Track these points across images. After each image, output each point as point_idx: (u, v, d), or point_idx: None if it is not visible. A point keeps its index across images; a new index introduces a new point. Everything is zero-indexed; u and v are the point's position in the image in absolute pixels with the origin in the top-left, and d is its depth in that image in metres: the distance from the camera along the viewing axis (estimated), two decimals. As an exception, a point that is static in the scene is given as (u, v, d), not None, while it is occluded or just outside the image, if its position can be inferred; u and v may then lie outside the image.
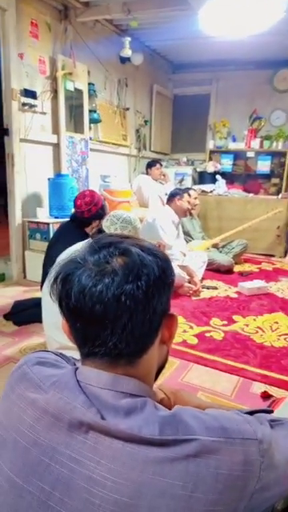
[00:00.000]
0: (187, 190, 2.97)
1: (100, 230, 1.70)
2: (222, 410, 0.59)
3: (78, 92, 3.26)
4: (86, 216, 2.07)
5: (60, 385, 0.49)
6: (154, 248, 0.52)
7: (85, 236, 2.05)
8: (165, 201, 4.01)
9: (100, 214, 2.07)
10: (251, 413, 0.53)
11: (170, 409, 0.50)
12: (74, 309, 0.48)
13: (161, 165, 4.30)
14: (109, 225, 1.67)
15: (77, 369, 0.51)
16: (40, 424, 0.47)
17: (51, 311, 1.51)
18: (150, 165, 4.22)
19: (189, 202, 2.92)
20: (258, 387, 1.58)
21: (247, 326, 2.22)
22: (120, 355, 0.48)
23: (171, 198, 2.89)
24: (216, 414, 0.48)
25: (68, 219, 2.23)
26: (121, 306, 0.46)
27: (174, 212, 2.86)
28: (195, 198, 3.44)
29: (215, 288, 2.92)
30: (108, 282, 0.46)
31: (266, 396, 1.50)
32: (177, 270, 2.63)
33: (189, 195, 2.95)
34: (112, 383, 0.48)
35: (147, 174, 4.24)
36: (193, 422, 0.45)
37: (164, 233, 2.74)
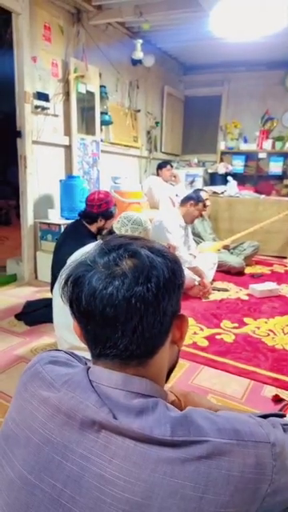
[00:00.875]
0: (202, 197, 2.90)
1: (111, 232, 1.71)
2: (233, 412, 0.59)
3: (90, 94, 3.28)
4: (94, 211, 2.09)
5: (72, 384, 0.49)
6: (164, 249, 0.52)
7: (91, 236, 2.09)
8: (176, 202, 4.05)
9: (108, 213, 2.09)
10: (263, 417, 0.53)
11: (180, 411, 0.50)
12: (84, 311, 0.48)
13: (171, 166, 4.29)
14: (119, 226, 1.68)
15: (89, 368, 0.51)
16: (52, 422, 0.47)
17: (62, 312, 1.52)
18: (161, 166, 4.22)
19: (200, 212, 2.90)
20: (269, 391, 1.57)
21: (258, 328, 2.20)
22: (131, 357, 0.49)
23: (186, 200, 2.87)
24: (228, 416, 0.48)
25: (74, 220, 2.26)
26: (131, 309, 0.46)
27: (182, 216, 2.84)
28: (206, 199, 3.42)
29: (226, 290, 2.91)
30: (118, 284, 0.46)
31: (277, 400, 1.49)
32: (186, 272, 2.62)
33: (204, 206, 2.92)
34: (123, 383, 0.48)
35: (158, 175, 4.24)
36: (204, 423, 0.45)
37: (170, 234, 2.73)
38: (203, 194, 3.53)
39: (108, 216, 2.10)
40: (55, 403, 0.48)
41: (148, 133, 4.45)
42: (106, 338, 0.48)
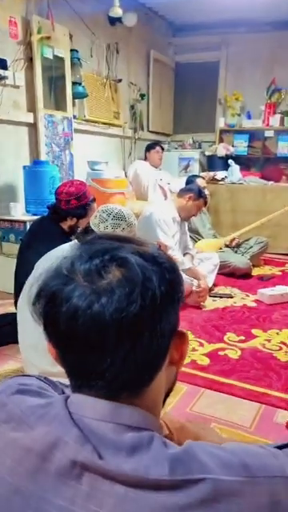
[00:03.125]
0: (205, 194, 2.90)
1: (87, 230, 1.70)
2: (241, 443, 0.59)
3: (59, 60, 3.26)
4: (62, 207, 2.09)
5: (48, 418, 0.49)
6: (159, 255, 0.52)
7: (64, 236, 2.07)
8: (167, 190, 4.07)
9: (78, 212, 2.09)
10: (278, 448, 0.53)
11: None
12: (63, 335, 0.48)
13: (162, 148, 4.30)
14: (97, 222, 1.67)
15: (67, 398, 0.51)
16: (22, 467, 0.46)
17: (29, 330, 1.50)
18: (149, 147, 4.24)
19: (198, 210, 2.91)
20: (284, 416, 1.58)
21: (269, 341, 2.22)
22: (122, 388, 0.49)
23: (186, 192, 2.87)
24: (235, 448, 0.48)
25: (42, 216, 2.24)
26: (122, 332, 0.46)
27: (177, 209, 2.85)
28: (204, 188, 3.45)
29: (230, 296, 2.92)
30: (105, 302, 0.46)
31: (293, 426, 1.50)
32: (184, 276, 2.63)
33: (205, 204, 2.93)
34: (111, 414, 0.48)
35: (146, 159, 4.25)
36: (208, 458, 0.46)
37: (161, 231, 2.73)
38: (200, 182, 3.56)
39: (80, 215, 2.09)
40: (26, 443, 0.48)
41: (132, 108, 4.44)
42: (90, 367, 0.48)
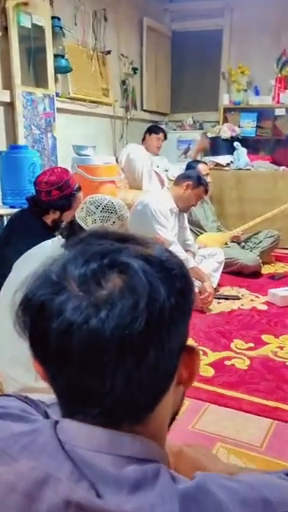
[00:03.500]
0: (205, 181, 2.88)
1: (72, 224, 1.68)
2: (255, 472, 0.58)
3: (38, 30, 3.23)
4: (42, 199, 2.08)
5: (34, 448, 0.48)
6: (167, 258, 0.51)
7: (47, 231, 2.06)
8: (165, 178, 4.05)
9: (61, 204, 2.08)
10: None
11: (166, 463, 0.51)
12: (54, 354, 0.47)
13: (165, 136, 4.27)
14: (84, 215, 1.66)
15: (57, 423, 0.50)
16: (6, 507, 0.46)
17: (8, 341, 1.47)
18: (151, 130, 4.22)
19: (198, 200, 2.88)
20: (300, 435, 1.59)
21: (282, 348, 2.22)
22: (123, 414, 0.49)
23: (183, 179, 2.86)
24: (252, 481, 0.49)
25: (21, 209, 2.24)
26: (125, 351, 0.45)
27: (174, 199, 2.83)
28: (206, 175, 3.41)
29: (237, 298, 2.93)
30: (105, 316, 0.45)
31: (311, 448, 1.49)
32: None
33: (205, 192, 2.91)
34: (111, 444, 0.47)
35: (143, 141, 4.23)
36: (224, 495, 0.46)
37: (159, 224, 2.70)
38: (202, 168, 3.53)
39: (63, 207, 2.07)
40: (9, 479, 0.46)
41: (123, 83, 4.42)
42: (86, 392, 0.47)
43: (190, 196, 2.82)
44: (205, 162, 3.91)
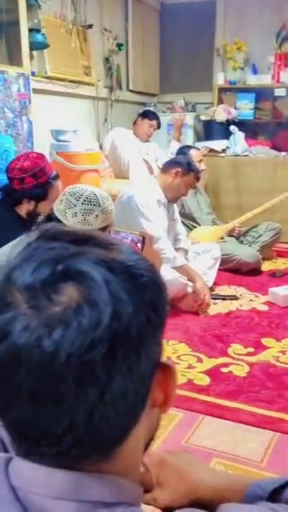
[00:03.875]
0: (196, 167, 2.88)
1: (50, 218, 1.69)
2: (244, 480, 0.59)
3: (10, 1, 3.20)
4: (15, 187, 2.09)
5: None
6: (135, 263, 0.48)
7: (20, 224, 2.07)
8: (154, 166, 4.05)
9: (36, 193, 2.09)
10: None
11: (150, 489, 0.49)
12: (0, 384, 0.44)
13: (158, 124, 4.26)
14: (63, 208, 1.67)
15: (9, 461, 0.47)
16: None
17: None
18: (145, 115, 4.21)
19: (189, 188, 2.90)
20: (304, 447, 1.60)
21: (284, 353, 2.24)
22: (86, 453, 0.46)
23: (171, 166, 2.87)
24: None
25: None
26: (85, 380, 0.42)
27: (162, 189, 2.84)
28: (199, 161, 3.43)
29: (234, 298, 2.94)
30: (59, 339, 0.41)
31: (315, 460, 1.51)
32: (174, 275, 2.63)
33: (196, 179, 2.93)
34: (74, 489, 0.45)
35: (134, 125, 4.23)
36: None
37: (144, 218, 2.70)
38: (194, 154, 3.55)
39: (38, 196, 2.07)
40: None
41: (107, 61, 4.40)
42: (40, 430, 0.44)
43: (180, 184, 2.82)
44: (197, 148, 3.93)
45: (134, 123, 4.25)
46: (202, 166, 3.48)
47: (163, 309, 0.49)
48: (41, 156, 2.18)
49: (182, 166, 2.82)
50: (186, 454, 0.81)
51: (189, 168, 2.82)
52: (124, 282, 0.45)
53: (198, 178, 2.94)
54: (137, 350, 0.45)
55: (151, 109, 4.69)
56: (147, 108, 4.37)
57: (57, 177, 2.16)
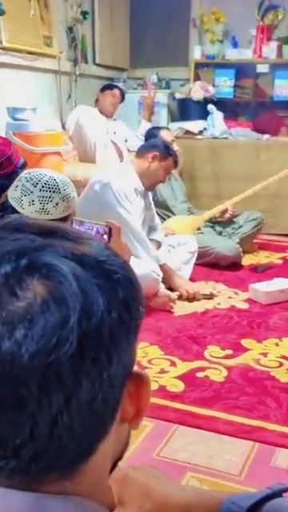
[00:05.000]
0: (173, 151, 2.89)
1: (3, 207, 1.67)
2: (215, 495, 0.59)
3: None
4: None
5: None
6: (107, 257, 0.48)
7: None
8: (123, 149, 4.03)
9: (1, 184, 2.04)
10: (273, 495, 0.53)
11: (112, 508, 0.49)
12: None
13: (122, 94, 4.26)
14: (19, 195, 1.65)
15: None
16: None
17: None
18: (104, 87, 4.20)
19: (167, 174, 2.89)
20: (285, 456, 1.61)
21: (265, 355, 2.26)
22: (47, 469, 0.45)
23: (147, 149, 2.86)
24: None
25: None
26: (49, 384, 0.42)
27: (138, 175, 2.82)
28: (172, 142, 3.43)
29: (210, 297, 2.92)
30: (21, 338, 0.41)
31: (297, 471, 1.54)
32: (146, 269, 2.62)
33: (175, 164, 2.92)
34: (32, 511, 0.45)
35: (96, 103, 4.21)
36: None
37: (123, 209, 2.68)
38: (165, 135, 3.52)
39: (3, 188, 2.05)
40: None
41: (70, 31, 4.37)
42: None
43: (157, 170, 2.82)
44: (168, 128, 3.90)
45: (96, 101, 4.23)
46: (175, 147, 3.47)
47: (137, 310, 0.49)
48: (7, 142, 2.16)
49: (159, 149, 2.82)
50: (151, 469, 0.81)
51: (167, 152, 2.82)
52: (95, 278, 0.45)
53: (176, 163, 2.95)
54: (108, 352, 0.45)
55: (120, 85, 4.66)
56: (112, 85, 4.34)
57: (24, 165, 2.13)
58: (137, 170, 2.84)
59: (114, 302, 0.46)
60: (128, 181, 2.79)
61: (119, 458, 0.56)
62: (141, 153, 2.89)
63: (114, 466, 0.56)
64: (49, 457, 0.44)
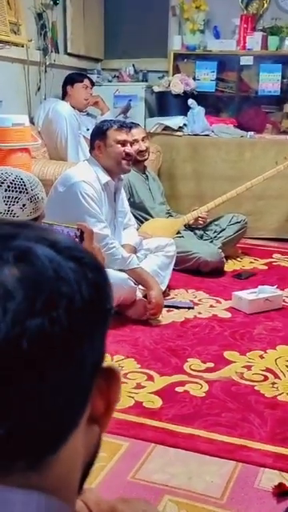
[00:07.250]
0: (108, 124, 2.85)
1: None
2: None
3: None
4: None
5: None
6: (77, 246, 0.52)
7: None
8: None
9: None
10: None
11: None
12: None
13: (92, 82, 4.25)
14: (-18, 195, 1.63)
15: None
16: None
17: None
18: (72, 80, 4.17)
19: (121, 144, 2.84)
20: (270, 478, 1.61)
21: (249, 368, 2.27)
22: (12, 457, 0.46)
23: (91, 144, 2.88)
24: None
25: None
26: (20, 359, 0.44)
27: (102, 169, 2.82)
28: (142, 140, 3.42)
29: (190, 307, 2.92)
30: None
31: (282, 492, 1.53)
32: (121, 277, 2.62)
33: (120, 127, 2.83)
34: None
35: (64, 97, 4.20)
36: None
37: (88, 212, 2.66)
38: (136, 133, 3.42)
39: None
40: None
41: (40, 17, 4.36)
42: None
43: (109, 157, 2.79)
44: (137, 124, 3.80)
45: (65, 95, 4.21)
46: (143, 145, 3.46)
47: (108, 297, 0.52)
48: None
49: (96, 137, 2.83)
50: (141, 502, 0.81)
51: (103, 131, 2.81)
52: (68, 262, 0.48)
53: (121, 127, 2.85)
54: (79, 333, 0.47)
55: (94, 77, 4.66)
56: (80, 75, 4.32)
57: None
58: (101, 163, 2.83)
59: (85, 283, 0.48)
60: (93, 179, 2.78)
61: (91, 463, 0.57)
62: (91, 148, 2.90)
63: (86, 474, 0.57)
64: (14, 442, 0.46)
